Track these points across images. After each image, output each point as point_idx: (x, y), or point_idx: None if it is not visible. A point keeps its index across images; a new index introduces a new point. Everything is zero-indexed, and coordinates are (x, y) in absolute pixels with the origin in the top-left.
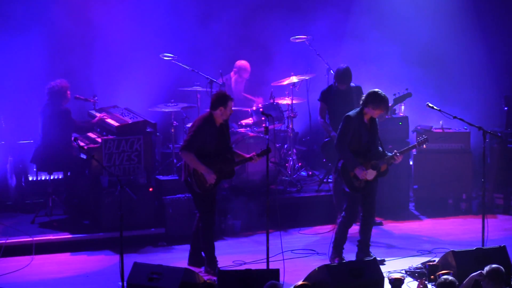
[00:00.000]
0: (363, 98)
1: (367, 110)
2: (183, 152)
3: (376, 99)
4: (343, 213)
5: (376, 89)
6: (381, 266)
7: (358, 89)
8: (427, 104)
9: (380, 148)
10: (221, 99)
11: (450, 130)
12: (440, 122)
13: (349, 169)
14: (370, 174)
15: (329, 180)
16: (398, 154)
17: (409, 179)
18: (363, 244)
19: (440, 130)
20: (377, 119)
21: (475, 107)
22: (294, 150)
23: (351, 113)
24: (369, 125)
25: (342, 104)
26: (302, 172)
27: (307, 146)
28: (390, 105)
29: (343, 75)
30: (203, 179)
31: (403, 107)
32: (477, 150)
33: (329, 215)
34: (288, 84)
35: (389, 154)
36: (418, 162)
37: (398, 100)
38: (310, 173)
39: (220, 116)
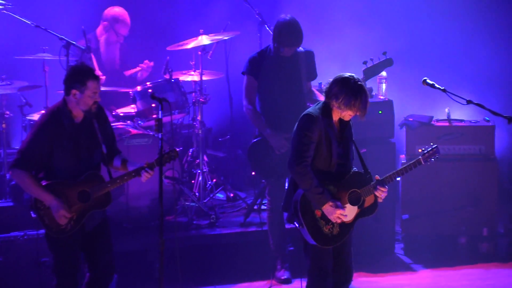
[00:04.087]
0: (326, 88)
1: (334, 107)
2: (13, 170)
3: (344, 93)
4: (307, 278)
5: (347, 74)
6: None
7: (309, 56)
8: (424, 80)
9: (354, 168)
10: (75, 75)
11: (463, 124)
12: (446, 109)
13: (314, 206)
14: (349, 213)
15: (263, 207)
16: (381, 181)
17: (394, 205)
18: None
19: (446, 124)
20: (351, 120)
21: (503, 85)
22: (206, 158)
23: (313, 110)
24: (340, 130)
25: (284, 82)
26: (218, 194)
27: (226, 151)
28: (362, 79)
29: (288, 32)
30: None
31: (384, 85)
32: (507, 156)
33: (263, 265)
34: (195, 49)
35: (377, 178)
36: (409, 178)
37: (371, 72)
38: (232, 195)
39: (76, 106)
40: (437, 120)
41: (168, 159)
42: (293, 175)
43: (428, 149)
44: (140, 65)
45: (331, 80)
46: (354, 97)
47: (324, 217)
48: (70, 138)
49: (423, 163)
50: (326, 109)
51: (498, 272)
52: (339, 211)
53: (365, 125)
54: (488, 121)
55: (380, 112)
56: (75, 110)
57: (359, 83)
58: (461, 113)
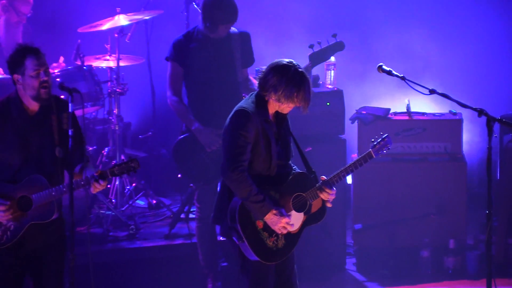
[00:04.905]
0: (260, 79)
1: (271, 100)
2: None
3: (284, 83)
4: None
5: (285, 61)
6: None
7: (245, 39)
8: (380, 66)
9: (294, 166)
10: (11, 59)
11: (425, 117)
12: (406, 100)
13: (255, 216)
14: (295, 221)
15: (191, 216)
16: (327, 181)
17: (345, 213)
18: None
19: (406, 117)
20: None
21: (472, 74)
22: (123, 158)
23: (246, 105)
24: (277, 126)
25: (215, 69)
26: (139, 201)
27: (148, 150)
28: (308, 66)
29: (222, 6)
30: None
31: (332, 72)
32: (477, 155)
33: (192, 283)
34: (111, 30)
35: (323, 178)
36: (363, 181)
37: (319, 57)
38: (154, 201)
39: (25, 94)
40: (395, 113)
41: (127, 170)
42: (228, 182)
43: (378, 140)
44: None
45: (266, 68)
46: (297, 88)
47: (267, 228)
48: (17, 133)
49: (374, 156)
50: (261, 102)
51: None
52: (284, 220)
53: (310, 119)
54: (454, 114)
55: (328, 104)
56: (26, 99)
57: (300, 70)
58: (423, 105)
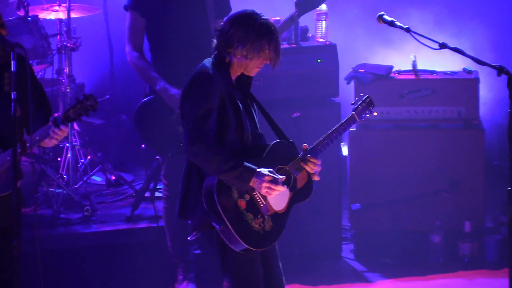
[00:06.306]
0: (219, 34)
1: (235, 60)
2: None
3: (253, 35)
4: None
5: (248, 10)
6: None
7: None
8: (380, 16)
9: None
10: None
11: (434, 76)
12: (411, 56)
13: (238, 188)
14: (280, 199)
15: (158, 195)
16: (311, 150)
17: (340, 191)
18: None
19: (411, 76)
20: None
21: (492, 29)
22: (76, 126)
23: (209, 65)
24: (242, 91)
25: (183, 19)
26: (95, 177)
27: (105, 116)
28: (294, 15)
29: None
30: None
31: (324, 23)
32: (496, 121)
33: (159, 275)
34: None
35: (305, 147)
36: (361, 153)
37: (307, 4)
38: (114, 177)
39: None
40: (399, 72)
41: (84, 110)
42: (193, 158)
43: (359, 102)
44: None
45: (225, 23)
46: (268, 38)
47: (251, 207)
48: None
49: (358, 119)
50: (221, 64)
51: (485, 283)
52: (267, 178)
53: (298, 79)
54: (469, 72)
55: (319, 60)
56: None
57: (265, 19)
58: (432, 63)
